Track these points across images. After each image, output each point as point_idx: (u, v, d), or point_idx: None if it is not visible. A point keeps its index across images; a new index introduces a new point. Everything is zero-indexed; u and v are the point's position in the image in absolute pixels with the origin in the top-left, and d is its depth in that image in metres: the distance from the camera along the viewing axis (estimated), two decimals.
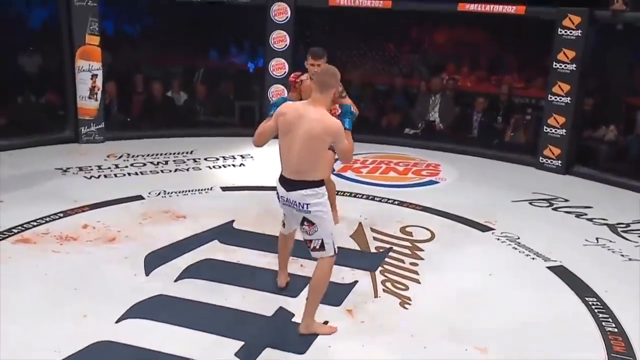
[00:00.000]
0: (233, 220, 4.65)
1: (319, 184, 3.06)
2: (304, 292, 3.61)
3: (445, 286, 3.82)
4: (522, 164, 6.86)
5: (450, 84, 7.97)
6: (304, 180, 3.03)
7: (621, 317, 3.46)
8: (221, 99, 8.10)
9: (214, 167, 6.19)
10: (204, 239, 4.29)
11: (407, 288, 3.74)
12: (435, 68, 8.52)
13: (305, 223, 3.08)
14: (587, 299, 3.71)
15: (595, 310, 3.56)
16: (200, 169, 6.10)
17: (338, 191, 5.58)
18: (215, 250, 4.14)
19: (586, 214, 5.26)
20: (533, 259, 4.29)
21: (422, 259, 4.18)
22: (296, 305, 3.45)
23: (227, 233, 4.43)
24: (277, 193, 3.17)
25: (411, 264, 4.09)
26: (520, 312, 3.55)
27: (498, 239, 4.63)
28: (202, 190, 5.40)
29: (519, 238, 4.62)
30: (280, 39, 7.33)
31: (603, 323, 3.42)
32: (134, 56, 8.15)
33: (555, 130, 6.54)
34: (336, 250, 3.15)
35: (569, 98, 6.40)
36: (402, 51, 8.73)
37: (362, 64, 8.33)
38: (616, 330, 3.33)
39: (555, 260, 4.24)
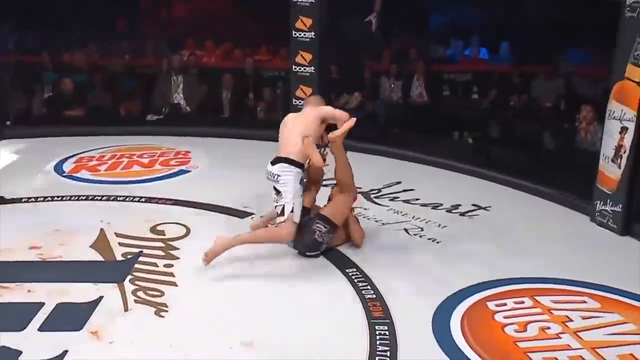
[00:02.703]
0: None
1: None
2: (33, 323, 3.34)
3: (204, 284, 3.87)
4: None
5: (193, 60, 8.01)
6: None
7: (378, 283, 3.89)
8: None
9: None
10: None
11: (162, 294, 3.71)
12: (175, 44, 8.48)
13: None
14: (347, 270, 4.09)
15: (355, 280, 3.95)
16: None
17: (71, 196, 5.27)
18: None
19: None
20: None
21: (178, 258, 4.18)
22: (19, 341, 3.18)
23: None
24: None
25: (166, 266, 4.07)
26: (284, 295, 3.77)
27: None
28: None
29: None
30: None
31: (363, 291, 3.81)
32: None
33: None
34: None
35: (312, 67, 6.90)
36: (136, 27, 8.51)
37: (87, 44, 7.91)
38: (374, 296, 3.75)
39: None
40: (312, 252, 4.24)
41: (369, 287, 3.86)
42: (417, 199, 5.38)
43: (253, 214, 4.98)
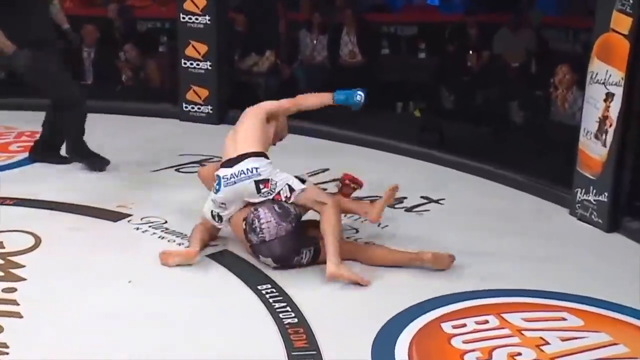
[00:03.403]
0: None
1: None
2: None
3: (61, 313, 3.78)
4: (162, 116, 7.19)
5: None
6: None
7: (300, 303, 3.89)
8: None
9: None
10: None
11: (0, 330, 3.59)
12: None
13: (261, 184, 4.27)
14: (259, 287, 4.07)
15: (270, 300, 3.94)
16: None
17: None
18: None
19: None
20: (188, 247, 4.52)
21: (24, 279, 4.08)
22: None
23: None
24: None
25: (5, 290, 3.95)
26: (174, 322, 3.72)
27: (138, 229, 4.79)
28: None
29: (166, 222, 4.85)
30: None
31: (280, 315, 3.79)
32: None
33: (197, 64, 6.94)
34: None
35: (207, 17, 6.82)
36: None
37: None
38: (296, 320, 3.73)
39: (215, 244, 4.55)
40: (273, 261, 4.24)
41: (288, 308, 3.85)
42: None
43: (131, 215, 4.92)
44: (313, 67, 8.16)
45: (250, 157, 4.30)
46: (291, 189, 4.27)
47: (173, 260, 4.25)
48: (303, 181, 4.38)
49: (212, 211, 4.39)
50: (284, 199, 4.23)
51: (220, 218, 4.38)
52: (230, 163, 4.31)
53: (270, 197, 4.24)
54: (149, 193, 5.34)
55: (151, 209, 5.02)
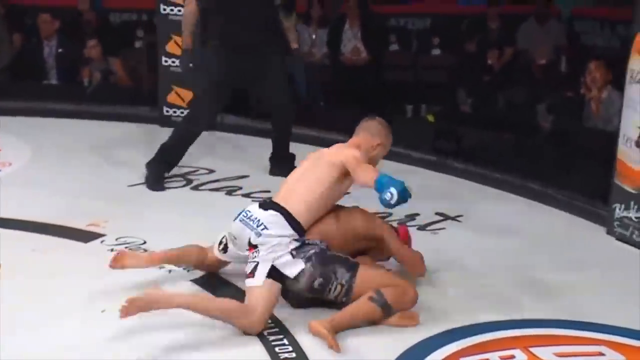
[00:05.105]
0: None
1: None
2: None
3: (25, 349, 3.75)
4: (141, 121, 7.22)
5: None
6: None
7: (300, 336, 3.86)
8: None
9: None
10: None
11: None
12: None
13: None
14: None
15: (265, 332, 3.90)
16: None
17: None
18: None
19: (241, 188, 5.85)
20: (170, 271, 4.53)
21: None
22: None
23: None
24: None
25: None
26: (161, 354, 3.72)
27: (112, 250, 4.73)
28: None
29: (144, 243, 4.87)
30: None
31: (276, 349, 3.77)
32: None
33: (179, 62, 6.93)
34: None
35: None
36: None
37: None
38: (294, 355, 3.72)
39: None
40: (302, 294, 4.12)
41: (285, 341, 3.84)
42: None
43: (104, 235, 4.93)
44: (312, 65, 8.14)
45: (279, 213, 4.04)
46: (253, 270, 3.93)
47: (129, 262, 4.23)
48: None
49: (229, 234, 4.19)
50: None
51: (225, 250, 4.24)
52: (265, 205, 4.13)
53: (250, 263, 3.96)
54: (125, 210, 5.35)
55: (127, 227, 5.02)
